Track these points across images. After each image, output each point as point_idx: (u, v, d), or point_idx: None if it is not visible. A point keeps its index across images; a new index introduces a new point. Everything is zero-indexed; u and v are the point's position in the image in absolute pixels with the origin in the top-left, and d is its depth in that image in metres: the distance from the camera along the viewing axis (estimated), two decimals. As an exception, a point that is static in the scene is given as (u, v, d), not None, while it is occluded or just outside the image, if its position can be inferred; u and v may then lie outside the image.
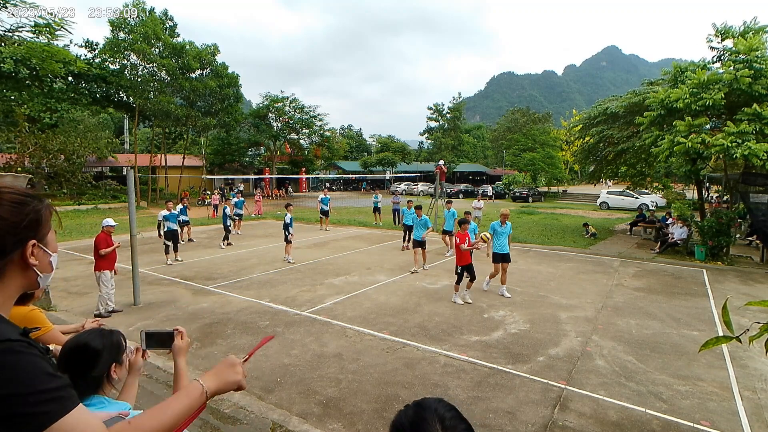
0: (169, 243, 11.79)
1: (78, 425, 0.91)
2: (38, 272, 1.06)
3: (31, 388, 0.88)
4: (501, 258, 8.74)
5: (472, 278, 8.33)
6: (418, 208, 11.68)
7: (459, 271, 8.21)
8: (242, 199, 15.57)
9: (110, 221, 7.66)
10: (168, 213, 11.90)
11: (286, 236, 11.80)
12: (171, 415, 1.06)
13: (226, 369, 1.18)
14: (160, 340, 1.57)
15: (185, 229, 15.10)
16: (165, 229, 11.87)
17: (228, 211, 14.76)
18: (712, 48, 12.72)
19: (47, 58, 16.95)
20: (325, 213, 18.64)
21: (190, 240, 15.20)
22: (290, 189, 45.28)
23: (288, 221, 11.81)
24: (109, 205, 28.37)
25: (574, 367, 5.57)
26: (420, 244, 10.92)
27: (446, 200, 15.01)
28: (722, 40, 12.33)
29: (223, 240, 14.43)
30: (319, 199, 18.83)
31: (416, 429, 0.93)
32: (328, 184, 47.72)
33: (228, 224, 14.63)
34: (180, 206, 14.88)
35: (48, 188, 27.22)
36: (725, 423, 4.38)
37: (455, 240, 8.53)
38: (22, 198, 1.03)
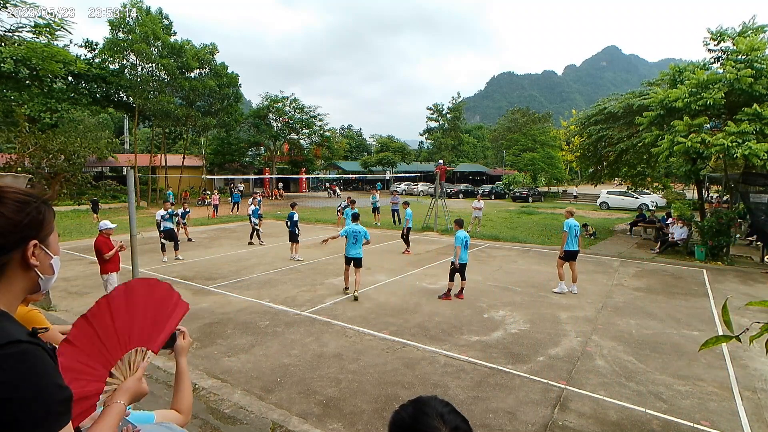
0: (165, 242, 12.10)
1: None
2: (39, 274, 1.07)
3: (40, 398, 0.88)
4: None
5: None
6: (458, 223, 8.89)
7: None
8: (257, 207, 15.15)
9: (107, 223, 7.57)
10: (165, 212, 12.17)
11: (292, 234, 12.02)
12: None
13: (134, 383, 1.30)
14: None
15: (183, 229, 15.18)
16: (162, 228, 12.16)
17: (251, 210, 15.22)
18: (709, 50, 12.78)
19: (47, 59, 16.92)
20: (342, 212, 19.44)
21: (189, 240, 15.28)
22: (338, 191, 44.43)
23: (295, 220, 12.03)
24: (109, 205, 28.34)
25: (574, 367, 5.57)
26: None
27: (403, 201, 15.85)
28: (718, 43, 12.41)
29: (252, 237, 14.84)
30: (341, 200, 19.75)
31: (418, 422, 0.99)
32: (328, 184, 47.61)
33: (255, 222, 14.91)
34: (181, 210, 15.03)
35: (48, 188, 27.23)
36: (725, 423, 4.38)
37: None
38: (25, 197, 1.04)
